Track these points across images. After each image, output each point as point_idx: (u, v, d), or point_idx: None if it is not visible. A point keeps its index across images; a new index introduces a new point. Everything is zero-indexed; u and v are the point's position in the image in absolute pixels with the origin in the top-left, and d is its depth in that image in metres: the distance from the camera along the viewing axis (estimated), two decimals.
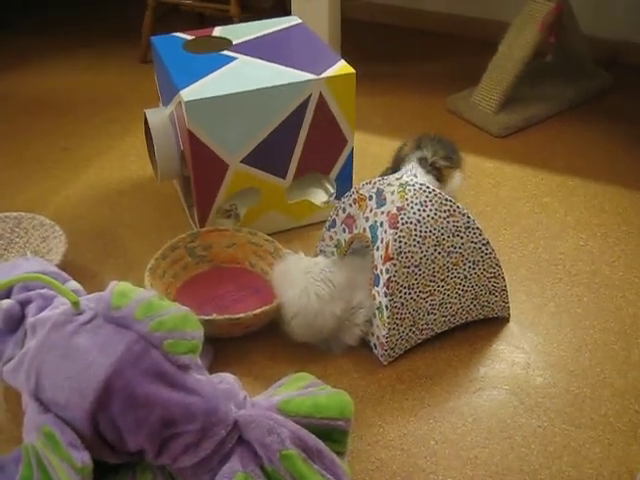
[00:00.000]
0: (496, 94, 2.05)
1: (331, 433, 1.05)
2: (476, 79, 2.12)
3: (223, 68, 1.52)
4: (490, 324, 1.40)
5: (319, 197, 1.71)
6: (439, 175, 1.56)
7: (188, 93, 1.42)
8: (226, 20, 2.18)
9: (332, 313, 1.29)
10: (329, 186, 1.73)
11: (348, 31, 2.32)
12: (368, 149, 1.95)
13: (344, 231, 1.40)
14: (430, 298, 1.30)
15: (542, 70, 2.18)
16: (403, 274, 1.25)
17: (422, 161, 1.53)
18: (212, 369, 1.23)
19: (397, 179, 1.32)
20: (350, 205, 1.39)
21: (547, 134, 2.04)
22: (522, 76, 2.03)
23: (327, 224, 1.45)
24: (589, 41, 2.22)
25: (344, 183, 1.64)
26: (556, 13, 1.99)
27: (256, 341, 1.36)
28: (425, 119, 2.13)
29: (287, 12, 2.26)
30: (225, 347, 1.33)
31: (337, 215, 1.42)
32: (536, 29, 2.00)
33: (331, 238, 1.44)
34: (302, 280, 1.30)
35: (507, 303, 1.40)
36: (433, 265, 1.28)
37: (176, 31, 1.72)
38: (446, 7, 2.68)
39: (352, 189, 1.39)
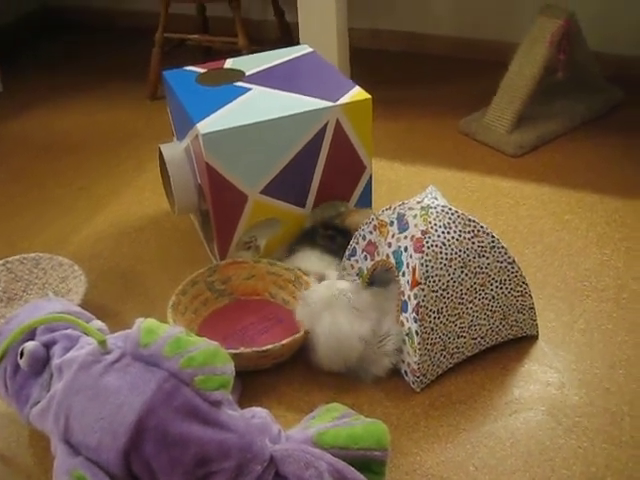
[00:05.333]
0: (509, 113, 2.04)
1: (369, 464, 1.04)
2: (487, 100, 2.11)
3: (238, 99, 1.52)
4: (520, 344, 1.37)
5: None
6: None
7: (204, 126, 1.41)
8: (233, 53, 2.18)
9: (360, 336, 1.27)
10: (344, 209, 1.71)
11: (355, 59, 2.32)
12: (384, 175, 1.94)
13: (365, 259, 1.39)
14: (459, 321, 1.28)
15: (552, 87, 2.17)
16: (432, 298, 1.24)
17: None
18: (241, 403, 1.21)
19: (418, 202, 1.31)
20: (370, 232, 1.37)
21: (562, 151, 2.03)
22: (534, 94, 2.03)
23: (347, 253, 1.43)
24: (597, 56, 2.21)
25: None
26: (564, 30, 1.99)
27: (283, 372, 1.34)
28: (438, 142, 2.12)
29: (293, 43, 2.26)
30: (253, 380, 1.31)
31: (357, 243, 1.41)
32: (545, 46, 1.99)
33: (352, 267, 1.43)
34: (328, 312, 1.29)
35: (535, 321, 1.38)
36: (460, 287, 1.27)
37: (183, 66, 1.72)
38: (452, 30, 2.69)
39: (371, 216, 1.37)
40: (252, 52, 1.91)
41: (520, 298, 1.34)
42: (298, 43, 2.03)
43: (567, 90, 2.20)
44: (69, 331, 1.16)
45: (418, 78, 2.57)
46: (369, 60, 2.69)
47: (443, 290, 1.25)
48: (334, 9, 2.10)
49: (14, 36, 3.08)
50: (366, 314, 1.30)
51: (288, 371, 1.34)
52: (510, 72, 2.06)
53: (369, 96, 1.52)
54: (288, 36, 2.66)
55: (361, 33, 2.75)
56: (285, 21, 2.68)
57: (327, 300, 1.31)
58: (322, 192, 1.57)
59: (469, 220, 1.28)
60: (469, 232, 1.27)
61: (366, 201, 1.63)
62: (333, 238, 1.51)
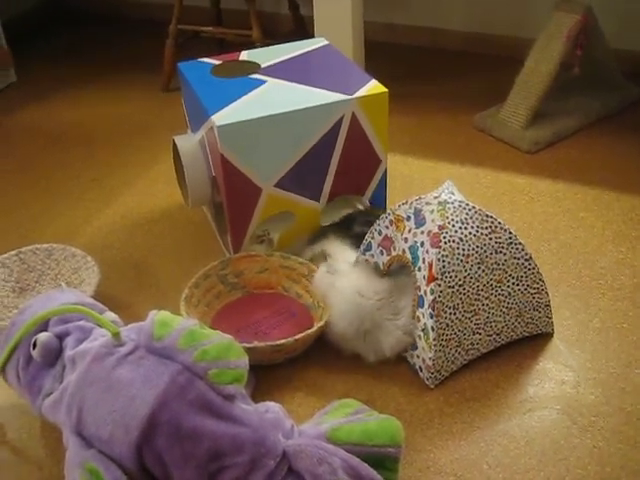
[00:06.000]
0: (524, 110, 2.02)
1: (383, 460, 1.03)
2: (503, 96, 2.10)
3: (253, 92, 1.51)
4: (535, 342, 1.36)
5: None
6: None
7: (220, 117, 1.40)
8: (247, 45, 2.17)
9: (377, 291, 1.31)
10: (362, 208, 1.70)
11: (370, 53, 2.31)
12: (398, 169, 1.93)
13: (382, 253, 1.38)
14: (475, 317, 1.27)
15: (569, 83, 2.15)
16: (448, 294, 1.22)
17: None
18: (254, 398, 1.20)
19: (435, 197, 1.30)
20: (386, 227, 1.36)
21: (577, 148, 2.01)
22: (550, 91, 2.01)
23: (362, 248, 1.42)
24: (615, 53, 2.19)
25: (378, 204, 1.62)
26: (582, 25, 1.97)
27: (296, 367, 1.33)
28: (453, 138, 2.11)
29: (308, 35, 2.25)
30: (266, 374, 1.31)
31: (372, 238, 1.39)
32: (562, 42, 1.98)
33: (367, 262, 1.41)
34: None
35: (551, 318, 1.37)
36: (477, 283, 1.25)
37: (196, 58, 1.71)
38: (467, 26, 2.67)
39: (387, 210, 1.36)
40: (266, 45, 1.90)
41: (536, 295, 1.32)
42: (311, 36, 2.01)
43: (583, 86, 2.18)
44: (82, 322, 1.15)
45: (433, 73, 2.56)
46: (384, 54, 2.67)
47: (459, 286, 1.24)
48: (350, 3, 2.09)
49: (25, 27, 3.07)
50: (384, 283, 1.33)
51: (301, 366, 1.33)
52: (526, 68, 2.05)
53: (385, 89, 1.51)
54: (302, 29, 2.64)
55: (376, 27, 2.73)
56: (299, 14, 2.67)
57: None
58: (337, 186, 1.56)
59: (486, 216, 1.26)
60: (486, 228, 1.26)
61: (381, 195, 1.62)
62: (371, 223, 1.50)
